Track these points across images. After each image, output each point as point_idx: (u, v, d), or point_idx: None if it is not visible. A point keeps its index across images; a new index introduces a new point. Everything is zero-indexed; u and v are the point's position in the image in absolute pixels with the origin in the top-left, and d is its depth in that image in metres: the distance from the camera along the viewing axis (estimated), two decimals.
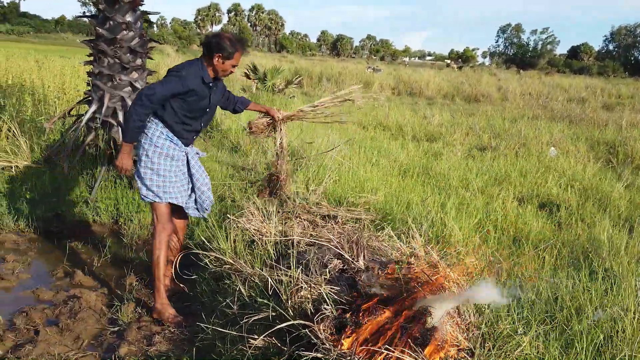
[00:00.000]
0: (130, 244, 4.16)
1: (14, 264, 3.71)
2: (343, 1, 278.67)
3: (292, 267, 2.62)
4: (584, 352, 2.22)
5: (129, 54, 4.66)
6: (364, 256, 2.76)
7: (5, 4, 67.01)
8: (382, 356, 2.00)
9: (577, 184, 5.58)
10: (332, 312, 2.26)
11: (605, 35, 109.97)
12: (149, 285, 3.42)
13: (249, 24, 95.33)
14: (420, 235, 2.97)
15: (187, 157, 3.16)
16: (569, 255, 3.48)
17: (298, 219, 3.62)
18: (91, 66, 4.74)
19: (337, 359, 2.04)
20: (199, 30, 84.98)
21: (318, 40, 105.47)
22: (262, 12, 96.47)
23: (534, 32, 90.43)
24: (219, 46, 2.94)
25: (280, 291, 2.53)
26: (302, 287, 2.47)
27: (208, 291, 3.16)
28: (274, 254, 3.18)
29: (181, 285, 3.31)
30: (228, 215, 3.59)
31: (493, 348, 2.20)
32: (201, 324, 2.66)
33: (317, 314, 2.26)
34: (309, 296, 2.42)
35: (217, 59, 2.96)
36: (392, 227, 3.44)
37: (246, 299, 2.75)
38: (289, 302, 2.45)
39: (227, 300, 2.77)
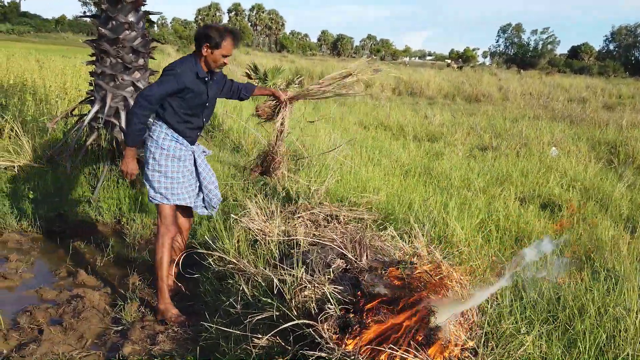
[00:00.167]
0: (132, 244, 4.17)
1: (17, 264, 3.72)
2: (343, 1, 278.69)
3: (295, 267, 2.63)
4: (586, 352, 2.22)
5: (131, 54, 4.67)
6: (367, 256, 2.77)
7: (6, 4, 67.03)
8: (386, 355, 2.01)
9: (578, 184, 5.58)
10: (336, 312, 2.26)
11: (605, 35, 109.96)
12: (152, 285, 3.43)
13: (250, 24, 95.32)
14: (423, 235, 2.98)
15: (194, 156, 3.17)
16: (571, 255, 3.48)
17: (300, 218, 3.62)
18: (93, 66, 4.75)
19: (341, 358, 2.05)
20: None
21: (318, 40, 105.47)
22: (263, 12, 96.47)
23: (534, 32, 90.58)
24: (206, 36, 2.92)
25: (284, 291, 2.54)
26: (305, 286, 2.47)
27: (211, 291, 3.17)
28: (277, 254, 3.19)
29: (179, 284, 3.31)
30: (232, 215, 3.60)
31: (496, 347, 2.21)
32: (205, 324, 2.67)
33: (320, 314, 2.27)
34: (312, 296, 2.43)
35: (205, 49, 2.94)
36: (394, 227, 3.44)
37: (249, 299, 2.76)
38: (293, 301, 2.45)
39: (231, 300, 2.78)
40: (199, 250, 3.31)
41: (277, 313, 2.46)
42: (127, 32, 4.61)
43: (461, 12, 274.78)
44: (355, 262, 2.71)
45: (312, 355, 2.10)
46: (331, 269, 2.65)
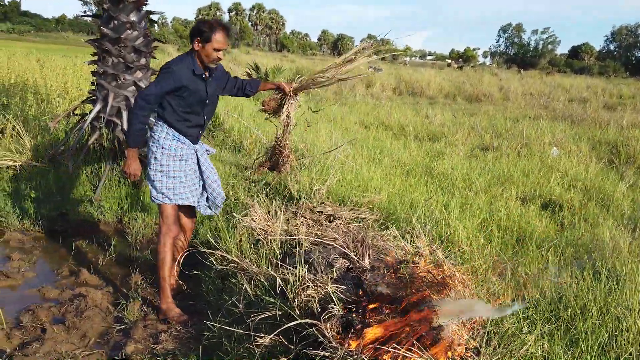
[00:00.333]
0: (134, 243, 4.18)
1: (19, 263, 3.72)
2: (343, 1, 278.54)
3: (298, 266, 2.64)
4: (588, 351, 2.23)
5: (133, 54, 4.67)
6: (369, 255, 2.77)
7: (6, 3, 67.03)
8: (389, 355, 2.02)
9: (579, 184, 5.59)
10: (339, 311, 2.27)
11: (606, 35, 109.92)
12: (154, 284, 3.43)
13: (250, 23, 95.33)
14: (425, 234, 2.98)
15: (197, 155, 3.16)
16: (573, 255, 3.49)
17: (302, 218, 3.63)
18: (95, 65, 4.75)
19: (344, 357, 2.05)
20: None
21: (319, 39, 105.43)
22: (263, 12, 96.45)
23: (535, 32, 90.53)
24: (197, 31, 2.91)
25: (286, 290, 2.54)
26: (308, 286, 2.48)
27: (214, 290, 3.18)
28: (280, 253, 3.19)
29: (181, 283, 3.32)
30: (234, 214, 3.60)
31: (498, 347, 2.21)
32: (208, 323, 2.67)
33: (323, 313, 2.27)
34: (315, 295, 2.43)
35: (197, 44, 2.92)
36: (396, 226, 3.45)
37: (252, 298, 2.77)
38: (296, 301, 2.46)
39: (233, 299, 2.79)
40: (201, 250, 3.32)
41: (280, 312, 2.47)
42: (129, 31, 4.61)
43: (461, 12, 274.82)
44: (358, 261, 2.72)
45: (315, 355, 2.11)
46: (334, 269, 2.66)
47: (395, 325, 2.12)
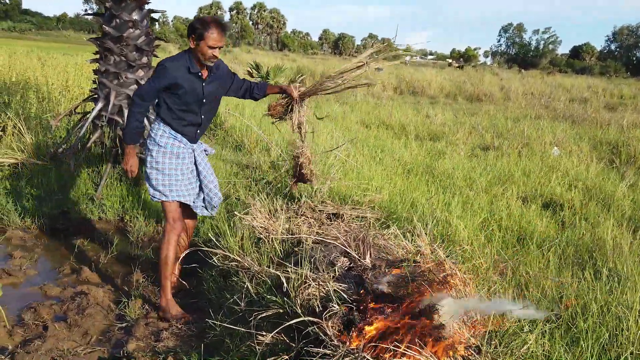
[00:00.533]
0: (136, 241, 4.18)
1: (21, 261, 3.73)
2: (344, 1, 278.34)
3: (300, 265, 2.64)
4: (589, 350, 2.24)
5: (135, 52, 4.68)
6: (370, 254, 2.78)
7: (7, 1, 67.04)
8: (390, 354, 2.02)
9: (580, 183, 5.59)
10: (340, 309, 2.28)
11: (607, 36, 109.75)
12: (156, 282, 3.44)
13: (251, 22, 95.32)
14: (426, 233, 2.99)
15: (194, 154, 3.15)
16: (574, 255, 3.50)
17: (304, 216, 3.63)
18: (97, 64, 4.76)
19: (345, 355, 2.06)
20: None
21: (320, 39, 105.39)
22: (264, 11, 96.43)
23: (535, 31, 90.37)
24: (191, 28, 2.89)
25: (288, 288, 2.55)
26: (310, 284, 2.48)
27: (215, 288, 3.18)
28: (281, 252, 3.20)
29: (182, 281, 3.32)
30: (235, 213, 3.61)
31: (499, 345, 2.22)
32: (209, 321, 2.68)
33: (325, 311, 2.28)
34: (316, 293, 2.44)
35: (192, 41, 2.89)
36: (397, 225, 3.46)
37: (253, 296, 2.77)
38: (297, 299, 2.46)
39: (235, 297, 2.79)
40: (202, 248, 3.32)
41: (282, 311, 2.48)
42: (131, 30, 4.62)
43: (461, 13, 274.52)
44: (359, 260, 2.73)
45: (316, 353, 2.11)
46: (335, 267, 2.67)
47: (396, 323, 2.13)
